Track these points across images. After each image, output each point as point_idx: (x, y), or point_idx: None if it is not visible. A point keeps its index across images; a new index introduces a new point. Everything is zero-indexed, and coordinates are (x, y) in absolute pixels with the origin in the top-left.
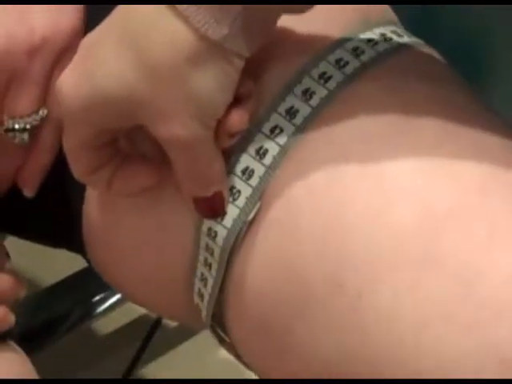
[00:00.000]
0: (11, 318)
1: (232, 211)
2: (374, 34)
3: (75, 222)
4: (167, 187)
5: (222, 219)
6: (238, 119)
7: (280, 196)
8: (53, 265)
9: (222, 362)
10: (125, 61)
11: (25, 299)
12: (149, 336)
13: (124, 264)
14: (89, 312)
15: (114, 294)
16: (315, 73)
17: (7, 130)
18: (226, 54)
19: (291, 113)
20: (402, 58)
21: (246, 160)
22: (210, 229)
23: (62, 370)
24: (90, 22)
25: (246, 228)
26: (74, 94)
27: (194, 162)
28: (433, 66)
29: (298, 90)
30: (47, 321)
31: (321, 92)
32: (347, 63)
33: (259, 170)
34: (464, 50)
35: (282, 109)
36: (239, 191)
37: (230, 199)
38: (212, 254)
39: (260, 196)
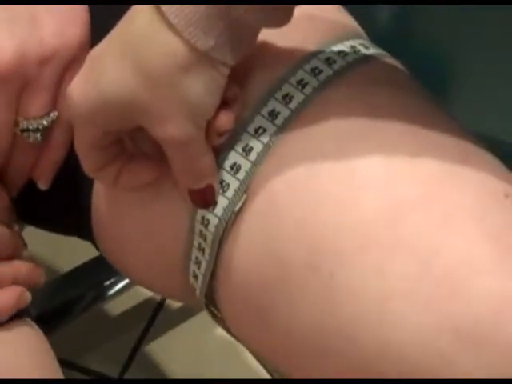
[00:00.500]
0: (27, 297)
1: (222, 201)
2: (344, 46)
3: (85, 213)
4: (165, 182)
5: (214, 209)
6: (225, 120)
7: (263, 188)
8: (67, 254)
9: (219, 339)
10: (125, 70)
11: (43, 284)
12: (153, 316)
13: (129, 251)
14: (100, 295)
15: (122, 279)
16: (293, 80)
17: (22, 131)
18: (213, 63)
19: (273, 115)
20: (369, 67)
21: (233, 156)
22: (203, 217)
23: (76, 348)
24: (94, 33)
25: (234, 217)
26: (82, 99)
27: (188, 158)
28: (396, 74)
29: (279, 95)
30: (63, 304)
31: (299, 97)
32: (321, 71)
33: (245, 165)
34: (430, 64)
35: (264, 111)
36: (228, 184)
37: (220, 191)
38: (205, 239)
39: (246, 188)
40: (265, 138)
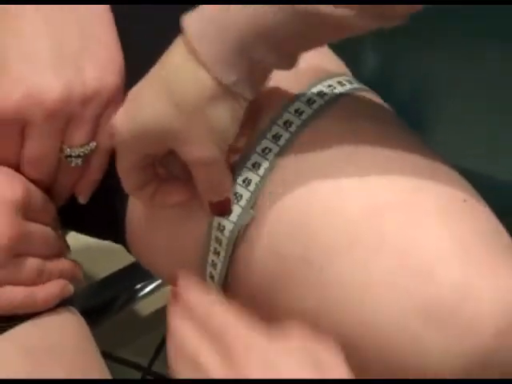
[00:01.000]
0: (70, 288)
1: (236, 210)
2: (323, 86)
3: (119, 222)
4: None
5: (229, 216)
6: (240, 142)
7: (269, 197)
8: (105, 261)
9: None
10: (162, 102)
11: (83, 287)
12: None
13: (158, 255)
14: (132, 297)
15: (150, 284)
16: (292, 109)
17: (66, 156)
18: (235, 96)
19: (276, 137)
20: (348, 101)
21: (245, 172)
22: (219, 224)
23: (112, 342)
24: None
25: (249, 220)
26: (125, 128)
27: (211, 176)
28: (373, 106)
29: (280, 121)
30: (101, 303)
31: (297, 122)
32: (303, 112)
33: (255, 179)
34: (412, 102)
35: (269, 135)
36: (241, 195)
37: (235, 201)
38: (220, 243)
39: (256, 198)
40: (270, 157)
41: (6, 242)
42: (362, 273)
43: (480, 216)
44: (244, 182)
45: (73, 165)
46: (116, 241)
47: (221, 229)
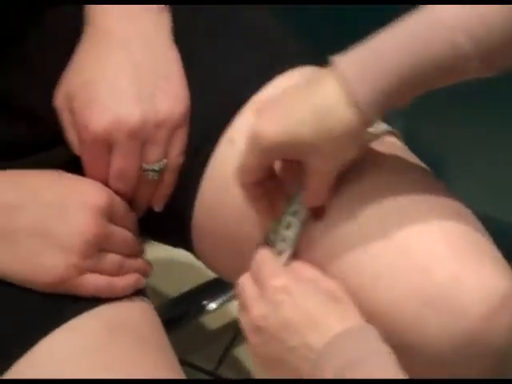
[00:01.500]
0: (143, 281)
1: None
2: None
3: (187, 230)
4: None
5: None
6: None
7: None
8: (176, 282)
9: None
10: (310, 120)
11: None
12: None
13: (222, 257)
14: (200, 311)
15: (216, 301)
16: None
17: (144, 170)
18: (367, 136)
19: None
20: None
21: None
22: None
23: (184, 349)
24: None
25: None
26: (272, 132)
27: (324, 183)
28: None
29: None
30: (174, 316)
31: None
32: None
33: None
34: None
35: None
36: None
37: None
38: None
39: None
40: None
41: (91, 238)
42: (374, 265)
43: (469, 222)
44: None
45: (149, 178)
46: (185, 247)
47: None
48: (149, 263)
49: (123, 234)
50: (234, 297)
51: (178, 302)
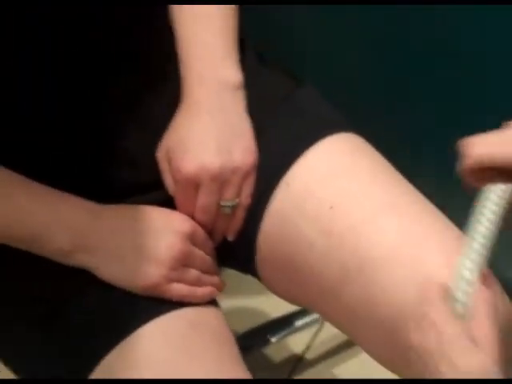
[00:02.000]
0: (216, 293)
1: None
2: None
3: (252, 258)
4: None
5: None
6: None
7: None
8: (243, 320)
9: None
10: None
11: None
12: (301, 357)
13: (282, 282)
14: (264, 342)
15: (278, 335)
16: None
17: (221, 206)
18: None
19: None
20: None
21: None
22: None
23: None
24: None
25: None
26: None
27: None
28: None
29: None
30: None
31: None
32: None
33: None
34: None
35: None
36: None
37: None
38: None
39: None
40: None
41: (177, 254)
42: (373, 251)
43: (442, 222)
44: None
45: (225, 212)
46: (252, 274)
47: None
48: (222, 281)
49: (202, 255)
50: (294, 331)
51: (246, 337)
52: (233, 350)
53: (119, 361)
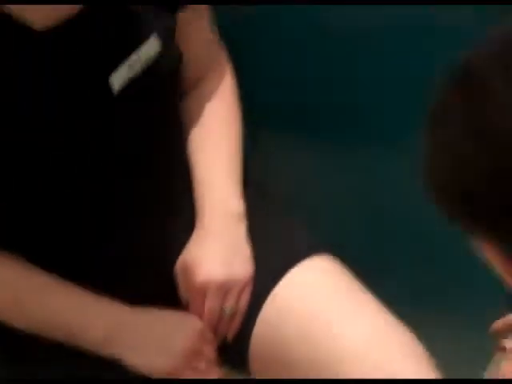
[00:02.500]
0: (219, 374)
1: None
2: None
3: (246, 353)
4: None
5: None
6: None
7: None
8: None
9: None
10: None
11: None
12: None
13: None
14: None
15: None
16: None
17: (224, 311)
18: None
19: None
20: None
21: None
22: None
23: None
24: None
25: None
26: None
27: None
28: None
29: None
30: None
31: None
32: None
33: None
34: None
35: None
36: None
37: None
38: None
39: None
40: None
41: (191, 345)
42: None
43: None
44: None
45: (226, 314)
46: (241, 367)
47: None
48: (221, 371)
49: (210, 350)
50: None
51: None
52: None
53: None
